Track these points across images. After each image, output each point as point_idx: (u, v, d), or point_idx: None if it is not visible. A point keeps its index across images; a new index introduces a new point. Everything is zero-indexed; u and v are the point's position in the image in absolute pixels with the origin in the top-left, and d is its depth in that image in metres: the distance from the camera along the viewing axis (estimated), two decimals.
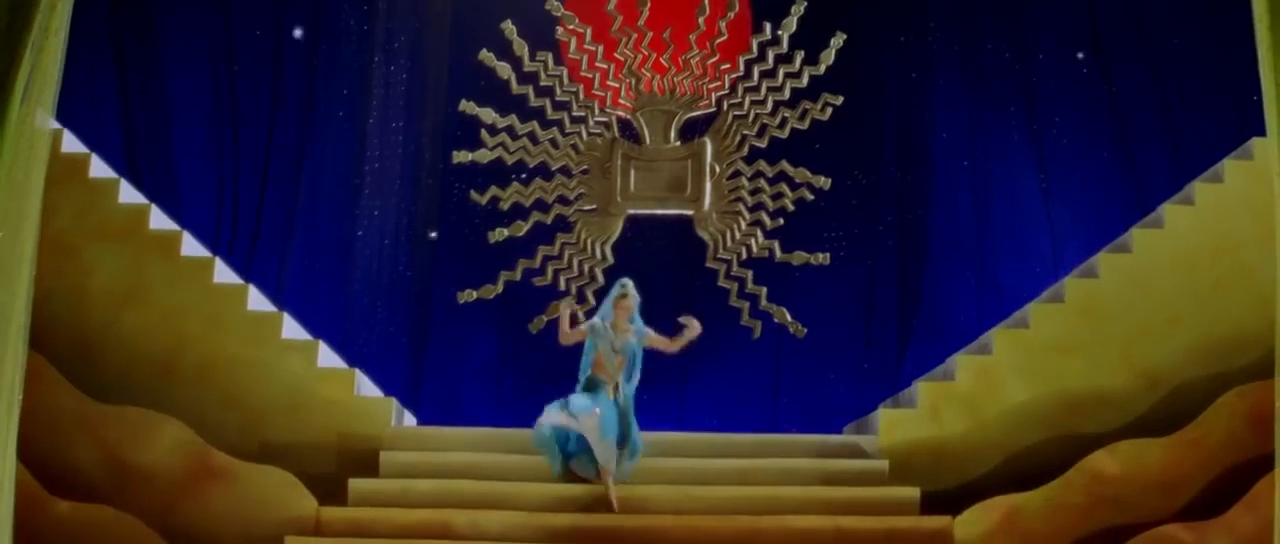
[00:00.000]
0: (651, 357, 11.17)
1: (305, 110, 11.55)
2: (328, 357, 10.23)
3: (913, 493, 9.43)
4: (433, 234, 11.48)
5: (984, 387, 9.84)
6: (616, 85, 10.90)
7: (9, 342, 6.29)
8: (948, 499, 9.44)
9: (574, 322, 9.61)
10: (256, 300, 10.24)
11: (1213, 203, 9.86)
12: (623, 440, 9.28)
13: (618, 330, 9.45)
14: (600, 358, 9.42)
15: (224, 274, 10.28)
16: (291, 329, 10.20)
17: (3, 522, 6.38)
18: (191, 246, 10.28)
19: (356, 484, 9.43)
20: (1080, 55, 11.44)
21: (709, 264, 10.80)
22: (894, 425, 9.88)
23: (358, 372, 10.18)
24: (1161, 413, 9.63)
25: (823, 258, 10.74)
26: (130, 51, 11.47)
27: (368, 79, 11.55)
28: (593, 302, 10.75)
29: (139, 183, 10.82)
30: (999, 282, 11.37)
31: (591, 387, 9.40)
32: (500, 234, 10.82)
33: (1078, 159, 11.28)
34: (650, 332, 9.52)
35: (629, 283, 9.54)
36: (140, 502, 9.13)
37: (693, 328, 9.50)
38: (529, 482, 9.51)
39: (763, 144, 10.79)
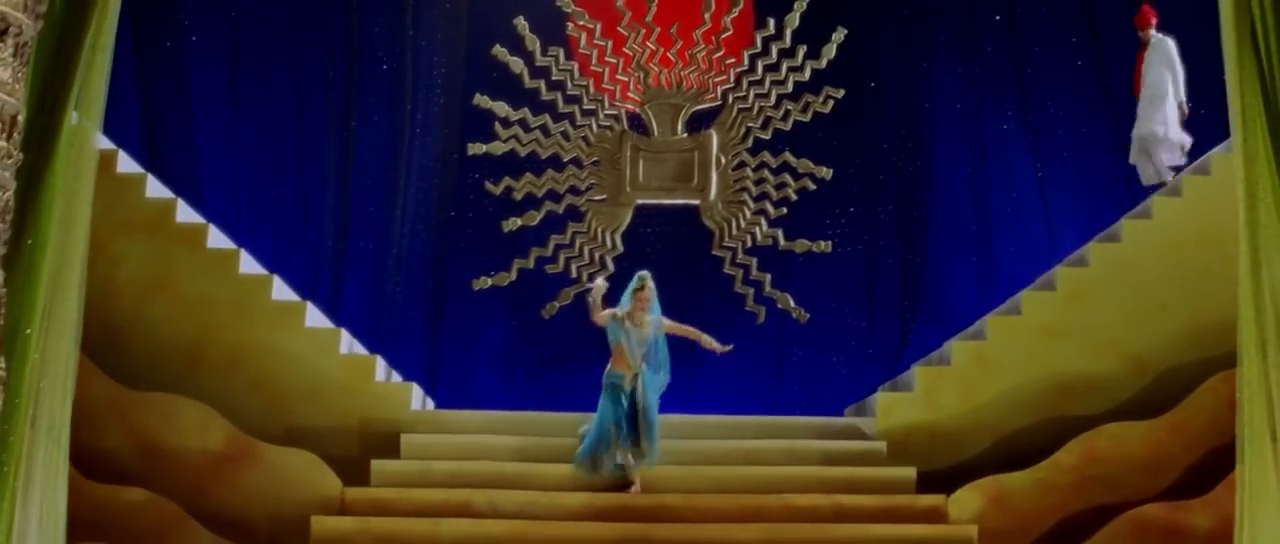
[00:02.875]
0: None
1: (323, 106, 11.93)
2: (350, 344, 10.70)
3: (909, 473, 9.97)
4: (450, 213, 11.86)
5: (978, 371, 10.36)
6: (625, 79, 11.40)
7: (63, 339, 6.78)
8: (942, 478, 9.98)
9: (605, 303, 9.95)
10: (280, 290, 10.70)
11: (1199, 194, 10.31)
12: (635, 438, 9.69)
13: (635, 323, 9.80)
14: (621, 349, 9.80)
15: (249, 265, 10.73)
16: (315, 318, 10.66)
17: (59, 506, 6.85)
18: (217, 239, 10.74)
19: (379, 465, 9.96)
20: (1078, 61, 11.79)
21: (715, 252, 11.32)
22: (891, 408, 10.39)
23: (379, 358, 10.66)
24: (1148, 397, 10.14)
25: (825, 246, 11.23)
26: (148, 42, 11.83)
27: (386, 74, 11.94)
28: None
29: (163, 175, 11.19)
30: (998, 268, 11.79)
31: (611, 385, 9.78)
32: (514, 223, 11.31)
33: (1073, 149, 11.71)
34: (666, 320, 9.90)
35: (647, 275, 9.90)
36: (171, 484, 9.62)
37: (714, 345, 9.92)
38: (544, 462, 10.05)
39: (766, 136, 11.31)
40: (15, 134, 6.32)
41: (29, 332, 6.49)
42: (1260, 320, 6.91)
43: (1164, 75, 11.08)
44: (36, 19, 6.45)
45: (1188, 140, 11.12)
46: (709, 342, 9.99)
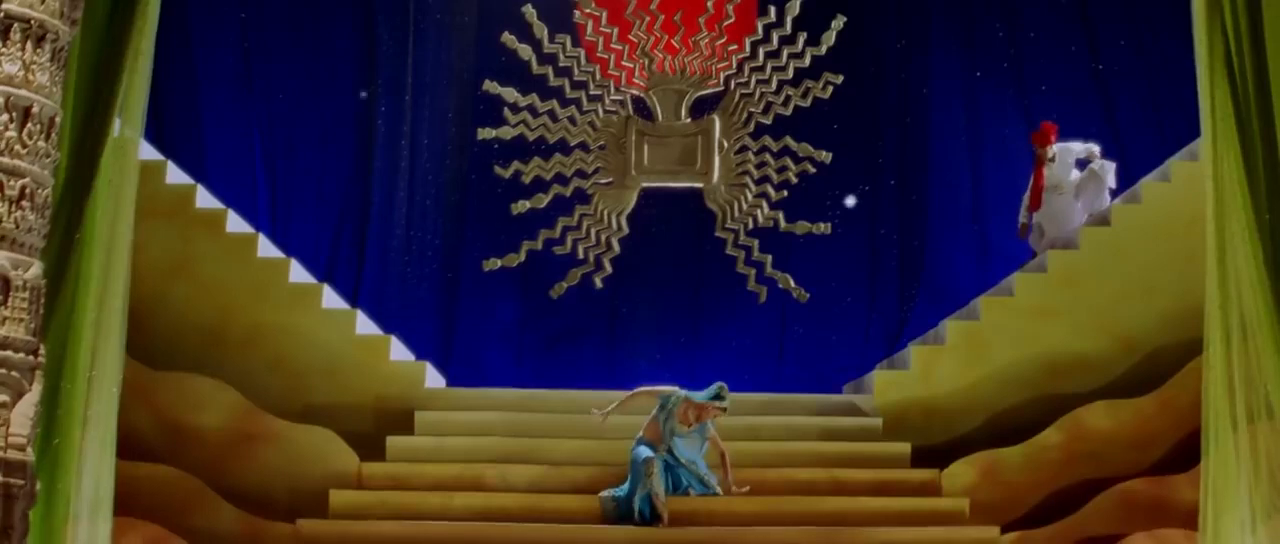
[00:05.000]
0: (665, 320, 12.07)
1: (334, 93, 12.33)
2: (365, 324, 11.15)
3: (904, 448, 10.46)
4: (463, 196, 12.19)
5: (971, 350, 10.82)
6: (631, 66, 11.80)
7: (112, 334, 7.28)
8: (936, 453, 10.45)
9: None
10: (298, 272, 11.15)
11: (1187, 179, 10.68)
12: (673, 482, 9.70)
13: (682, 423, 9.78)
14: (657, 426, 9.81)
15: (267, 249, 11.18)
16: (331, 299, 11.12)
17: (107, 488, 7.34)
18: (236, 224, 11.18)
19: (394, 441, 10.44)
20: (1072, 46, 12.18)
21: (718, 233, 11.74)
22: (888, 385, 10.86)
23: (393, 338, 11.12)
24: (1136, 375, 10.58)
25: (824, 227, 11.65)
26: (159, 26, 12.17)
27: (396, 61, 12.33)
28: (609, 268, 11.63)
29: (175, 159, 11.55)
30: (995, 248, 12.19)
31: (641, 450, 9.76)
32: (522, 206, 11.72)
33: (1067, 133, 12.04)
34: (714, 434, 9.85)
35: (728, 396, 9.80)
36: (194, 460, 10.05)
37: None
38: (553, 438, 10.51)
39: (768, 120, 11.72)
40: (53, 134, 6.79)
41: (80, 321, 6.98)
42: (1226, 309, 7.30)
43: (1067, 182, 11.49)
44: (72, 25, 6.92)
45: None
46: (727, 482, 9.81)
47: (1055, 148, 11.54)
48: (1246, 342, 7.26)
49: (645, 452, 9.73)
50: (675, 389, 9.93)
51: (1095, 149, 11.62)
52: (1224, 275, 7.32)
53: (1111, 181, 11.50)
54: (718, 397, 9.83)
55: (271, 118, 12.32)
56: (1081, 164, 11.65)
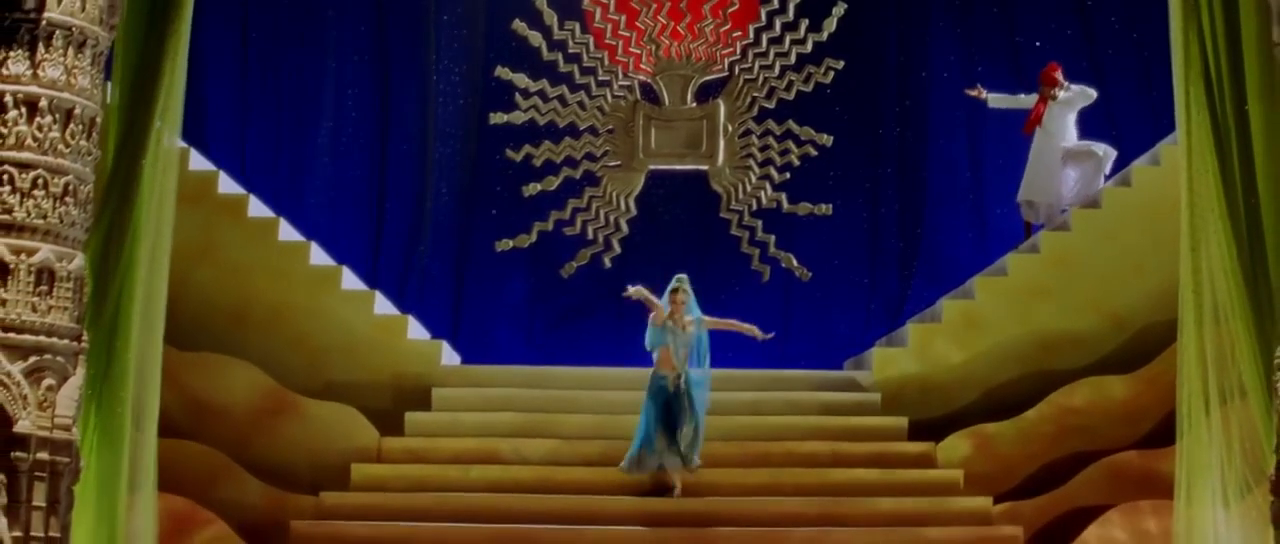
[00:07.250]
0: None
1: (349, 80, 12.70)
2: (383, 305, 11.61)
3: (901, 422, 10.90)
4: (474, 179, 12.46)
5: (967, 328, 11.24)
6: (638, 51, 12.19)
7: (154, 328, 7.74)
8: (932, 427, 10.87)
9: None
10: (317, 255, 11.58)
11: (1177, 164, 10.94)
12: (677, 425, 10.02)
13: (677, 324, 10.14)
14: (667, 351, 10.12)
15: (288, 232, 11.60)
16: (350, 281, 11.56)
17: (149, 465, 7.81)
18: (257, 208, 11.58)
19: (412, 417, 10.90)
20: (1067, 30, 12.53)
21: (723, 215, 12.15)
22: (886, 362, 11.30)
23: (411, 317, 11.59)
24: (1125, 352, 10.96)
25: (826, 209, 12.02)
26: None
27: (411, 47, 12.70)
28: (617, 249, 12.05)
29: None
30: (991, 230, 12.59)
31: (657, 389, 10.09)
32: (533, 188, 12.12)
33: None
34: (706, 317, 10.29)
35: (684, 278, 10.24)
36: (220, 436, 10.44)
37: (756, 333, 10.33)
38: (565, 413, 10.96)
39: (771, 104, 12.11)
40: (94, 134, 7.25)
41: (128, 309, 7.43)
42: (1199, 293, 7.62)
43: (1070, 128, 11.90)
44: (110, 30, 7.37)
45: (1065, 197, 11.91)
46: (751, 330, 10.36)
47: (1061, 91, 11.87)
48: (1219, 325, 7.56)
49: (649, 417, 10.01)
50: (659, 306, 10.19)
51: (1092, 93, 11.93)
52: (1197, 262, 7.63)
53: (1107, 167, 11.88)
54: (672, 289, 10.17)
55: (282, 104, 12.66)
56: (1081, 121, 11.97)
